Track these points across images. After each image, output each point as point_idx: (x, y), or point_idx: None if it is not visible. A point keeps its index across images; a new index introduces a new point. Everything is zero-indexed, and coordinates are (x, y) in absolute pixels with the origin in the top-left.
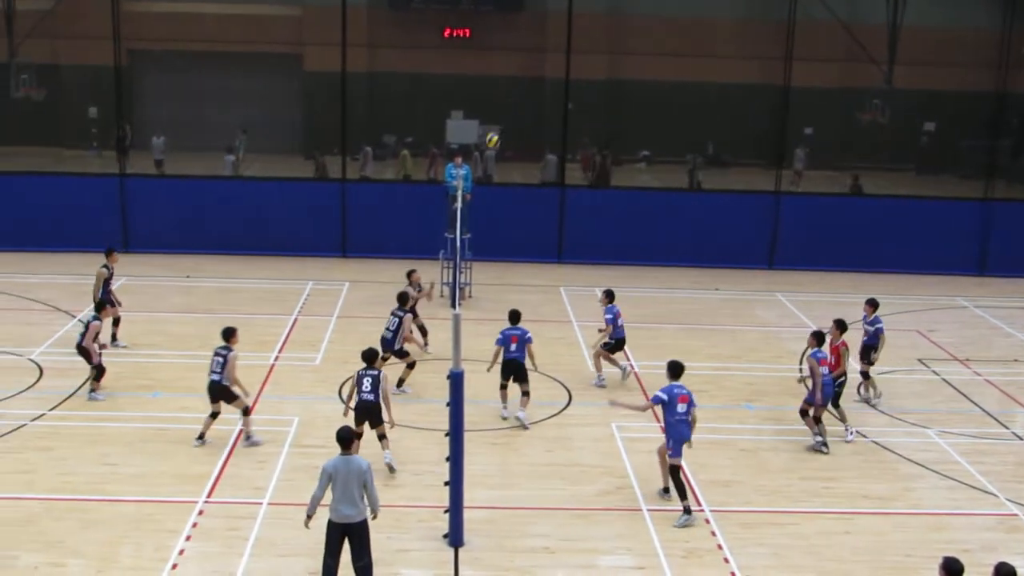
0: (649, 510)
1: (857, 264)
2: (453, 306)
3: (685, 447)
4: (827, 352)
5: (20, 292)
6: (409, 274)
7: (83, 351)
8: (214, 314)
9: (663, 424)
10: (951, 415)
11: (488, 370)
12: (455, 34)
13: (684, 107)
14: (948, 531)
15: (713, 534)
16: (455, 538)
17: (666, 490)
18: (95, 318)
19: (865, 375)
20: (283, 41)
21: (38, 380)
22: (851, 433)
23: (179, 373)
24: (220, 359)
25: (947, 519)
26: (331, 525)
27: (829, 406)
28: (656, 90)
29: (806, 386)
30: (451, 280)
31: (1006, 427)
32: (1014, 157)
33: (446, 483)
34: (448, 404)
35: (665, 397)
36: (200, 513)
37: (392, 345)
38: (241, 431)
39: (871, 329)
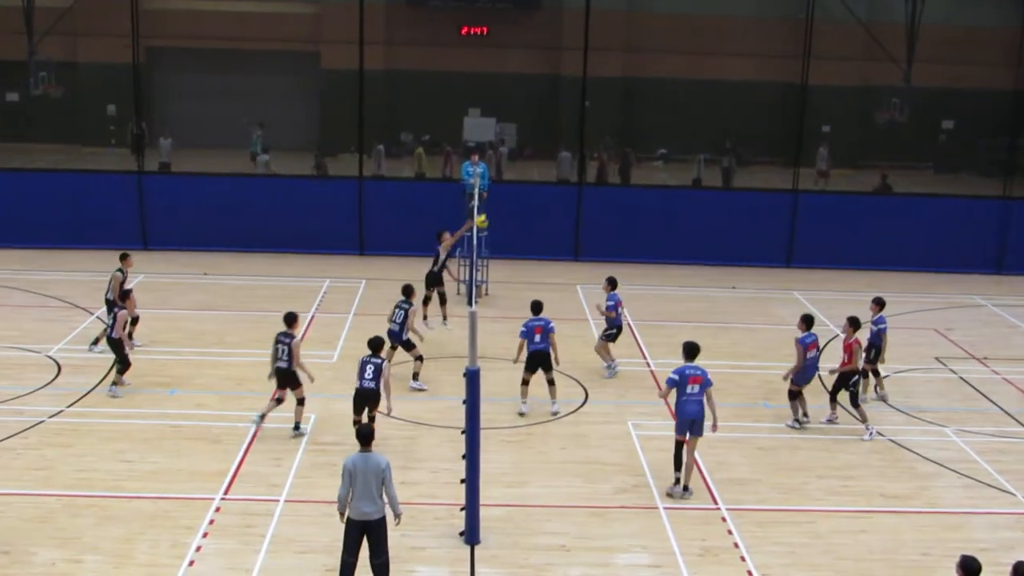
0: (665, 508)
1: (875, 262)
2: (469, 303)
3: (708, 429)
4: (816, 341)
5: (38, 289)
6: (439, 234)
7: (114, 343)
8: (231, 311)
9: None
10: (969, 414)
11: (515, 361)
12: (472, 32)
13: (701, 105)
14: (965, 530)
15: (729, 532)
16: (471, 536)
17: (686, 488)
18: (121, 308)
19: (865, 374)
20: (301, 39)
21: (56, 377)
22: (870, 433)
23: (196, 370)
24: (284, 346)
25: (964, 518)
26: (349, 522)
27: (848, 406)
28: (673, 88)
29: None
30: (468, 278)
31: None
32: None
33: (462, 481)
34: (464, 402)
35: (677, 378)
36: (217, 510)
37: (399, 337)
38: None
39: (875, 328)
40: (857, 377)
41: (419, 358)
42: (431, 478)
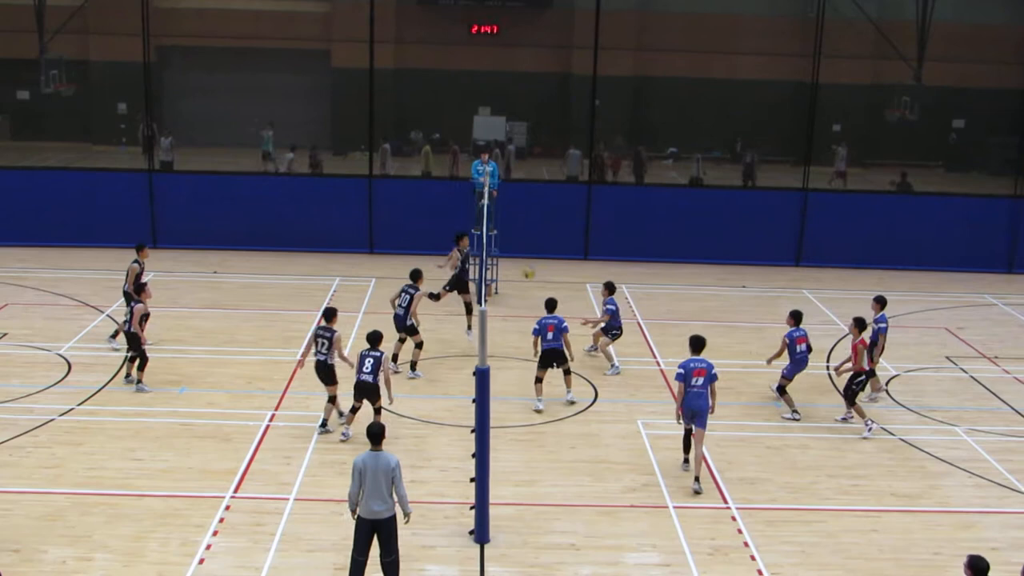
0: (675, 507)
1: (885, 261)
2: (479, 302)
3: (710, 416)
4: (805, 336)
5: (49, 287)
6: (458, 238)
7: (132, 337)
8: (241, 309)
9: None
10: (980, 413)
11: (536, 355)
12: (482, 30)
13: (711, 104)
14: (976, 529)
15: (740, 532)
16: (481, 534)
17: (696, 479)
18: (137, 302)
19: (872, 372)
20: (311, 37)
21: (66, 375)
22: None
23: (206, 368)
24: (324, 340)
25: (975, 517)
26: (360, 521)
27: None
28: (683, 87)
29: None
30: (478, 276)
31: None
32: None
33: (472, 479)
34: (474, 400)
35: (683, 371)
36: (227, 508)
37: (404, 321)
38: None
39: (875, 327)
40: (863, 377)
41: (419, 344)
42: (441, 477)
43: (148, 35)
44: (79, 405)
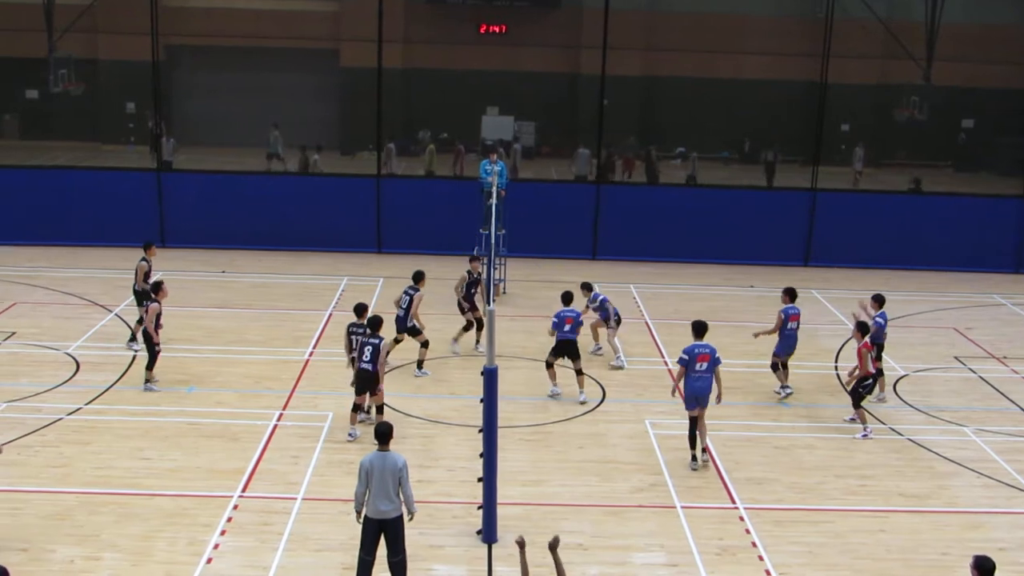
0: (683, 507)
1: (893, 261)
2: (488, 302)
3: (713, 400)
4: (798, 314)
5: (57, 286)
6: (471, 260)
7: (147, 336)
8: (250, 309)
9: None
10: (988, 413)
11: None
12: (491, 30)
13: (720, 104)
14: (984, 530)
15: (747, 532)
16: (489, 534)
17: (694, 458)
18: (152, 300)
19: (880, 372)
20: (320, 37)
21: (75, 374)
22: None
23: (214, 368)
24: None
25: (983, 517)
26: (367, 521)
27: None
28: (692, 87)
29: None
30: (485, 276)
31: None
32: None
33: (480, 479)
34: (482, 400)
35: (687, 357)
36: (235, 508)
37: (404, 323)
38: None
39: (874, 325)
40: (871, 380)
41: (424, 344)
42: (448, 476)
43: (157, 34)
44: (87, 404)
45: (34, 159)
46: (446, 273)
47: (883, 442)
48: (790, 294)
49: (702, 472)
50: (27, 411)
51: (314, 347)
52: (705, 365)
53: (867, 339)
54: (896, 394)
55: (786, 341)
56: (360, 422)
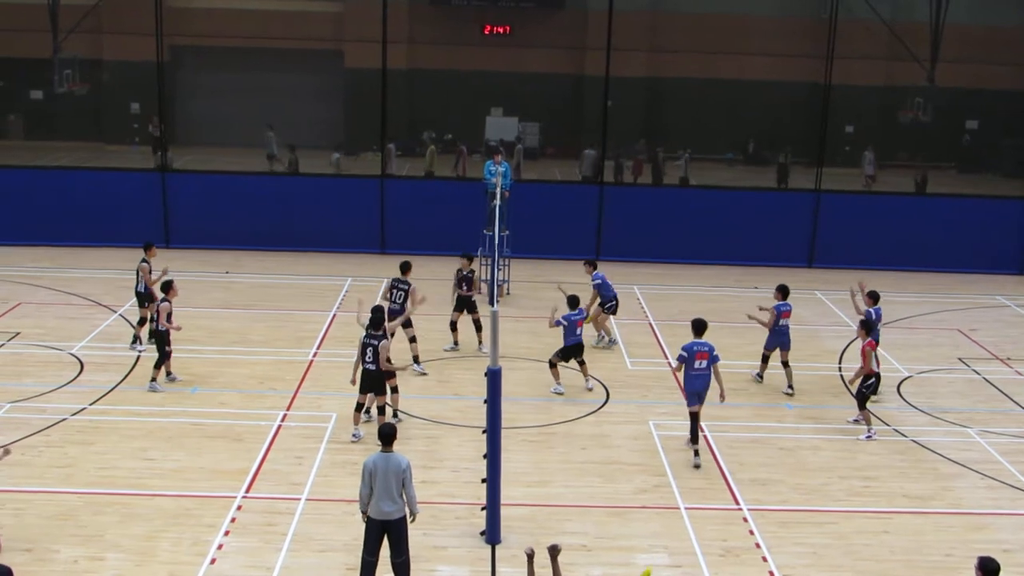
0: (686, 508)
1: (897, 262)
2: (491, 303)
3: (717, 399)
4: (790, 310)
5: (61, 286)
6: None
7: (159, 335)
8: (253, 310)
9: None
10: (992, 414)
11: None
12: (495, 31)
13: (724, 105)
14: (988, 531)
15: (751, 533)
16: (492, 535)
17: (696, 453)
18: (163, 300)
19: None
20: (325, 38)
21: (79, 375)
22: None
23: (218, 368)
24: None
25: (987, 519)
26: (370, 522)
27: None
28: (696, 88)
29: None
30: (489, 277)
31: None
32: None
33: (483, 480)
34: (485, 401)
35: (686, 354)
36: (238, 508)
37: (401, 315)
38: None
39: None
40: (873, 380)
41: (413, 339)
42: (452, 477)
43: (161, 35)
44: (91, 405)
45: (38, 159)
46: (449, 274)
47: (887, 443)
48: (782, 291)
49: (706, 473)
50: (31, 411)
51: (318, 348)
52: (704, 363)
53: (871, 338)
54: (900, 395)
55: (777, 337)
56: (366, 422)
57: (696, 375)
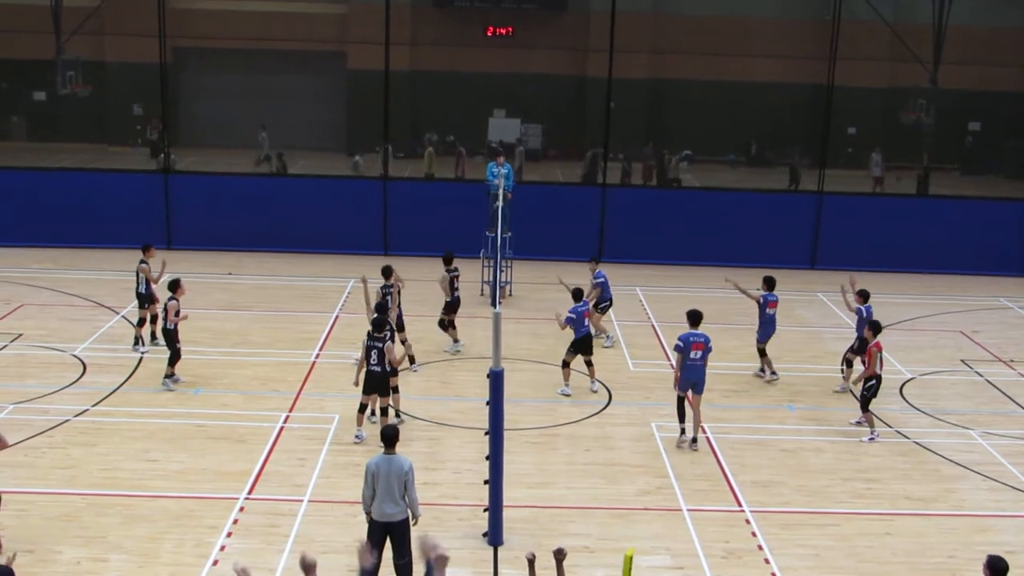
0: (689, 510)
1: (900, 264)
2: (493, 305)
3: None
4: (776, 301)
5: (64, 288)
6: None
7: (168, 334)
8: (256, 311)
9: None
10: (995, 416)
11: (562, 328)
12: (498, 32)
13: (726, 106)
14: (991, 533)
15: (754, 535)
16: (494, 537)
17: (694, 440)
18: (171, 299)
19: (848, 363)
20: (328, 39)
21: (81, 376)
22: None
23: (221, 370)
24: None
25: (990, 521)
26: (372, 523)
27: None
28: (699, 89)
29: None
30: (492, 279)
31: None
32: None
33: (486, 482)
34: (488, 403)
35: (682, 344)
36: (241, 510)
37: (396, 319)
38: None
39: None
40: (875, 382)
41: (403, 340)
42: (454, 479)
43: (164, 36)
44: (94, 406)
45: (41, 161)
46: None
47: (890, 445)
48: (768, 283)
49: (708, 475)
50: (34, 413)
51: (320, 349)
52: (700, 353)
53: (878, 339)
54: (903, 397)
55: (766, 328)
56: (372, 423)
57: (691, 365)
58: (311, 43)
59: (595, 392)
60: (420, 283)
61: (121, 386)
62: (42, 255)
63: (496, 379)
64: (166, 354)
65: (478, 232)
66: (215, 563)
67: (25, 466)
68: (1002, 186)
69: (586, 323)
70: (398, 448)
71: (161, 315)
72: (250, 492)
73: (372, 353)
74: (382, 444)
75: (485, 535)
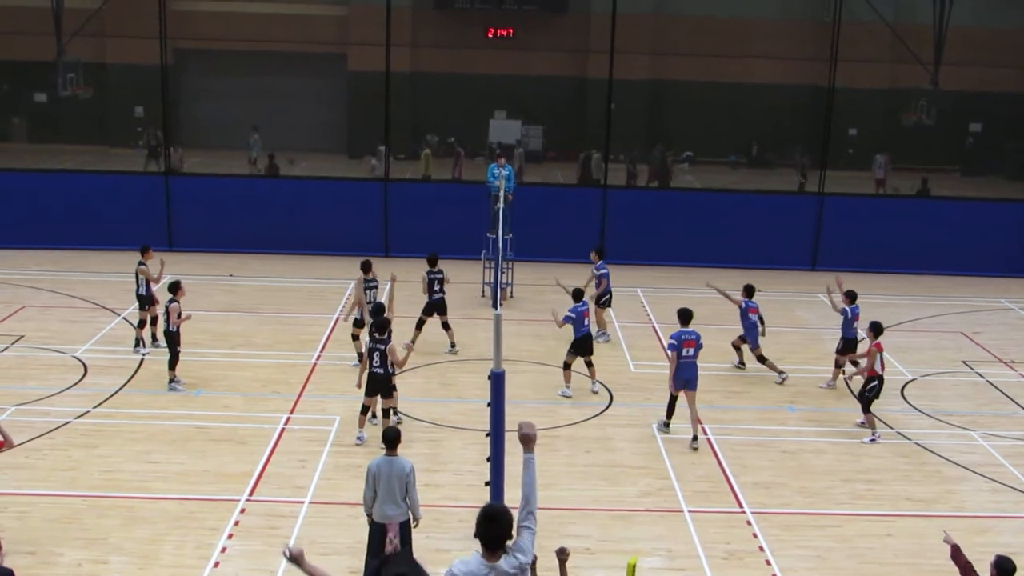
0: (690, 511)
1: (901, 265)
2: (494, 306)
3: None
4: (757, 308)
5: (65, 289)
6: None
7: (170, 336)
8: (257, 313)
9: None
10: (996, 417)
11: (560, 326)
12: (499, 34)
13: (727, 108)
14: (991, 534)
15: (755, 536)
16: None
17: (695, 438)
18: (172, 300)
19: (836, 364)
20: (328, 41)
21: (82, 377)
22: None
23: (222, 371)
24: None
25: (991, 522)
26: (373, 525)
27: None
28: (699, 91)
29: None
30: (493, 280)
31: None
32: None
33: (486, 483)
34: (489, 404)
35: (676, 342)
36: (242, 511)
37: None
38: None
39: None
40: (876, 383)
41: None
42: (455, 480)
43: (165, 38)
44: (95, 408)
45: (42, 163)
46: (454, 276)
47: (891, 446)
48: (747, 291)
49: (709, 477)
50: (35, 414)
51: (321, 351)
52: (692, 351)
53: (879, 339)
54: (904, 398)
55: (751, 332)
56: (374, 424)
57: (684, 363)
58: (312, 45)
59: (596, 393)
60: (420, 284)
61: (122, 388)
62: (43, 257)
63: (497, 381)
64: (167, 356)
65: (479, 233)
66: (216, 565)
67: (26, 468)
68: (1003, 187)
69: (586, 323)
70: (399, 450)
71: (162, 317)
72: (251, 494)
73: (374, 355)
74: (383, 446)
75: None
